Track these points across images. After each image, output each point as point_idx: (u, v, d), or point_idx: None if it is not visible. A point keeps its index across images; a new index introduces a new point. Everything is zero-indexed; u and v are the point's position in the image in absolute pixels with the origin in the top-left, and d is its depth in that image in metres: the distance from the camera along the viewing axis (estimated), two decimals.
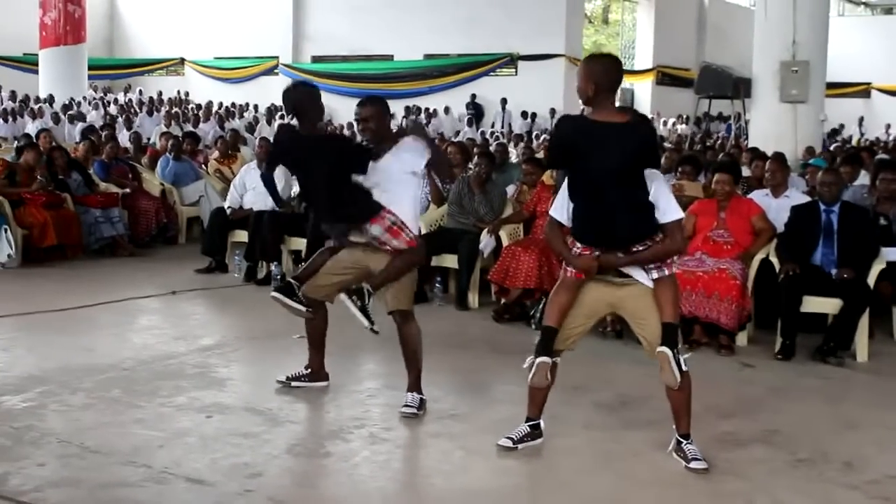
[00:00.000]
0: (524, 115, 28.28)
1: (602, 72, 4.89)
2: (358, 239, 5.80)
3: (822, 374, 6.95)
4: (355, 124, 5.94)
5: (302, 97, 5.76)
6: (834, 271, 7.38)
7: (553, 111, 28.15)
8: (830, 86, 18.31)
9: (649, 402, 6.06)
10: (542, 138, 20.72)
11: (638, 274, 4.93)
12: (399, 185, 5.70)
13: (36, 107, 24.03)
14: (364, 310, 5.73)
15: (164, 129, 18.78)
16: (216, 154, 14.02)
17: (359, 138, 6.13)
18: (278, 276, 9.68)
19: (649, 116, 25.12)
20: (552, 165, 5.86)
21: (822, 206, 7.63)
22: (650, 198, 4.85)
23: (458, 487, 4.65)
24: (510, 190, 10.02)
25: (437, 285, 8.90)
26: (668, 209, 4.91)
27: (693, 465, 4.95)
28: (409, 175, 5.74)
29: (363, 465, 4.97)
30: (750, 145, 15.16)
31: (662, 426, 5.60)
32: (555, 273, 8.32)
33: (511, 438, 5.16)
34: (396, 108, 29.80)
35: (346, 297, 5.76)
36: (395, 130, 6.11)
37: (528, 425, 5.23)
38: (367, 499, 4.55)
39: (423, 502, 4.59)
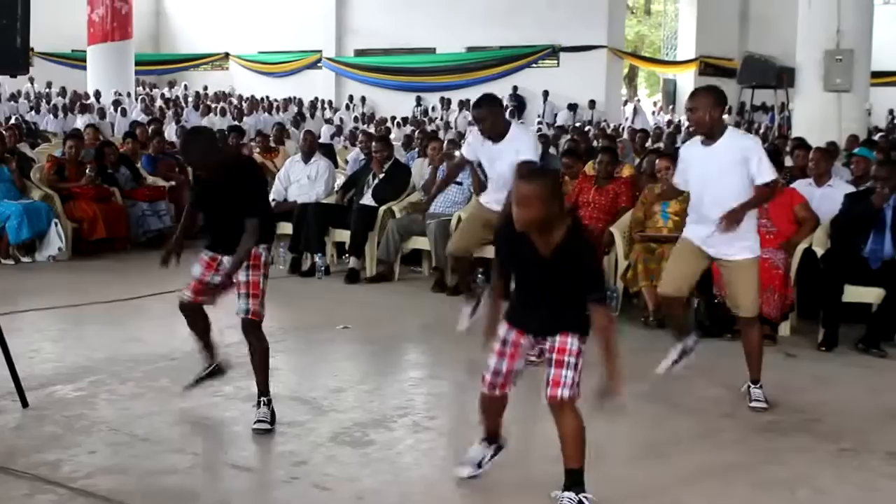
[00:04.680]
0: (570, 107, 28.21)
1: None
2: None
3: (865, 364, 6.93)
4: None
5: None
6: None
7: (593, 103, 28.03)
8: (875, 74, 18.09)
9: (692, 392, 6.10)
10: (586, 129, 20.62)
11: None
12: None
13: (85, 102, 24.35)
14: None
15: (202, 125, 19.01)
16: (258, 148, 14.12)
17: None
18: (322, 268, 9.79)
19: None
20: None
21: None
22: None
23: (501, 476, 4.69)
24: None
25: (479, 276, 8.93)
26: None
27: (752, 404, 5.76)
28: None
29: (407, 454, 5.03)
30: (793, 135, 15.03)
31: (704, 415, 5.65)
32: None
33: (673, 360, 6.10)
34: (435, 100, 29.93)
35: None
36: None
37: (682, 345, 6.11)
38: (410, 487, 4.60)
39: (467, 491, 4.64)
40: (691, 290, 6.39)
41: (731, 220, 5.53)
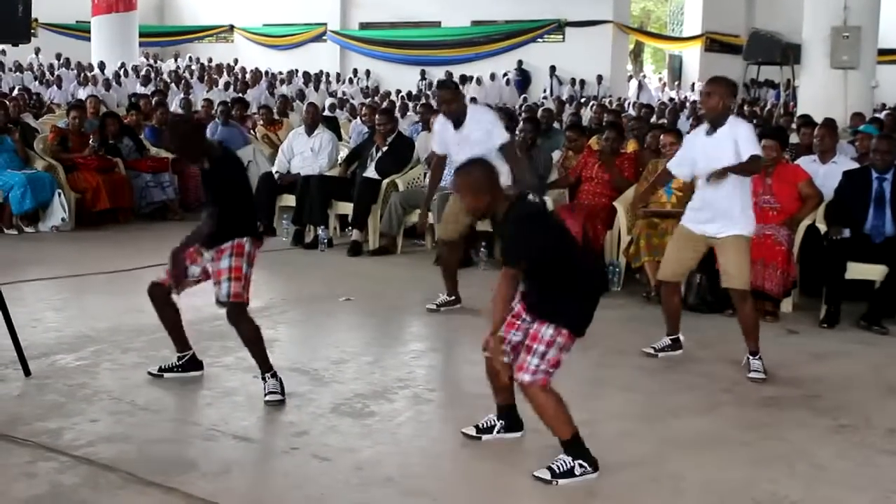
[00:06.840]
0: (573, 81, 28.11)
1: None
2: None
3: (867, 341, 6.93)
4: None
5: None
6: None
7: (600, 78, 27.92)
8: (882, 52, 17.98)
9: (690, 367, 6.11)
10: (591, 105, 20.57)
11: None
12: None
13: (89, 74, 24.24)
14: None
15: (205, 97, 18.93)
16: (261, 121, 14.11)
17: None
18: (325, 240, 9.80)
19: (697, 84, 24.84)
20: None
21: (875, 174, 7.48)
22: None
23: (501, 448, 4.70)
24: (556, 156, 10.03)
25: (483, 249, 8.95)
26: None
27: (751, 374, 5.83)
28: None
29: (406, 425, 5.04)
30: (799, 112, 14.96)
31: (704, 390, 5.66)
32: (600, 237, 8.37)
33: (654, 347, 6.29)
34: (440, 74, 29.74)
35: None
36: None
37: (670, 339, 6.30)
38: (409, 458, 4.61)
39: (466, 462, 4.65)
40: (685, 276, 6.66)
41: (719, 177, 5.75)
